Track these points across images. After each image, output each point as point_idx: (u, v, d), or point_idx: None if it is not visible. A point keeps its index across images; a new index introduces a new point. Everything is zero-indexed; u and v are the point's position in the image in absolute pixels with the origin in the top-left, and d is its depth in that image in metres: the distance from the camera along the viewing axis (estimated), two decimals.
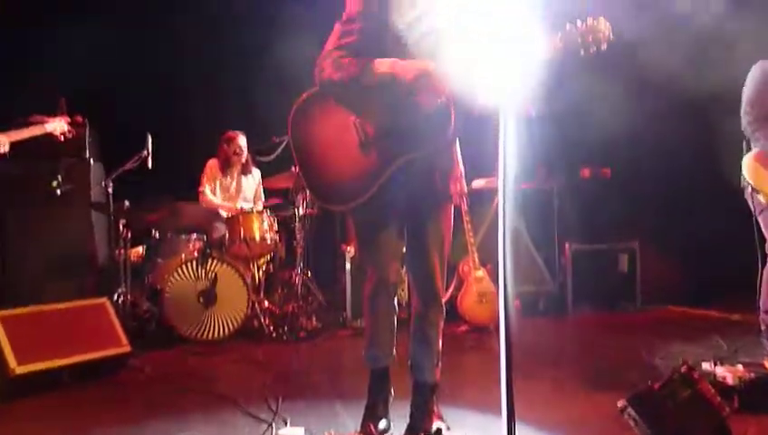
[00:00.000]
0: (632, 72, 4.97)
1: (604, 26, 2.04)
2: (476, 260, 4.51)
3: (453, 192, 2.37)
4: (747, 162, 3.24)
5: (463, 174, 2.48)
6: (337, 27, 2.28)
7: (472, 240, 4.52)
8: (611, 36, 2.05)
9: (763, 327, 3.36)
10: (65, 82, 4.27)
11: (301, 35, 4.30)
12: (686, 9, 4.75)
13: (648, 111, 5.20)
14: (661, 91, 5.08)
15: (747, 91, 3.31)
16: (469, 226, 4.52)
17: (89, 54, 4.88)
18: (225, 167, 4.86)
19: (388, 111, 2.20)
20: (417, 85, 2.13)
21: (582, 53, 2.07)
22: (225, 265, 4.20)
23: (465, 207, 4.59)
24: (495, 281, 4.27)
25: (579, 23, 2.07)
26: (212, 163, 4.87)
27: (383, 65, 2.15)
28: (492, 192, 4.96)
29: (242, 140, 4.83)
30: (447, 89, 2.14)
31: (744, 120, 3.28)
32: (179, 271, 4.14)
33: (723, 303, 4.92)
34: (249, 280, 4.33)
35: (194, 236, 4.54)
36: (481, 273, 4.50)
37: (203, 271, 4.17)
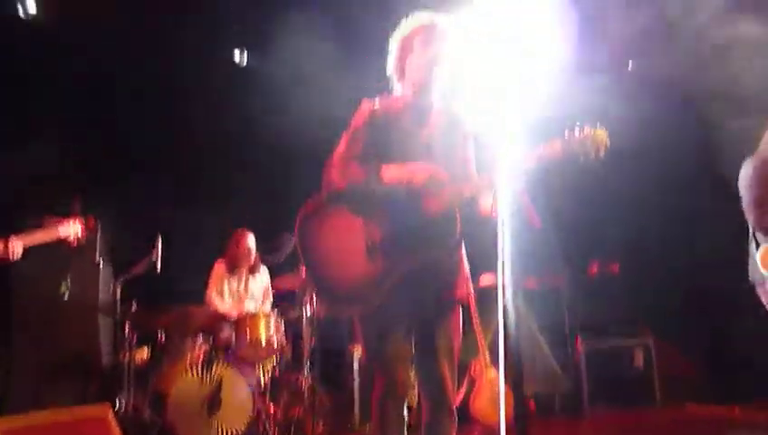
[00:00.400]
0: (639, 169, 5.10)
1: (602, 134, 2.13)
2: (488, 359, 4.41)
3: (460, 295, 2.37)
4: (762, 257, 3.22)
5: (469, 275, 2.47)
6: (344, 137, 2.39)
7: (482, 338, 4.45)
8: (608, 144, 2.13)
9: None
10: (78, 178, 4.38)
11: (309, 133, 4.48)
12: (686, 114, 4.97)
13: (658, 206, 5.28)
14: (671, 184, 5.18)
15: (743, 188, 3.36)
16: (479, 324, 4.46)
17: (101, 153, 5.06)
18: (233, 267, 4.86)
19: (395, 217, 2.25)
20: (425, 190, 2.20)
21: (582, 159, 2.14)
22: (230, 369, 4.11)
23: (474, 305, 4.56)
24: (508, 380, 4.15)
25: (577, 130, 2.15)
26: (218, 266, 4.89)
27: (391, 171, 2.23)
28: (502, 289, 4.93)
29: (250, 240, 4.86)
30: (455, 192, 2.20)
31: (751, 215, 3.30)
32: (184, 376, 4.05)
33: (745, 399, 4.73)
34: (254, 384, 4.23)
35: (200, 338, 4.48)
36: (493, 373, 4.39)
37: (208, 375, 4.07)
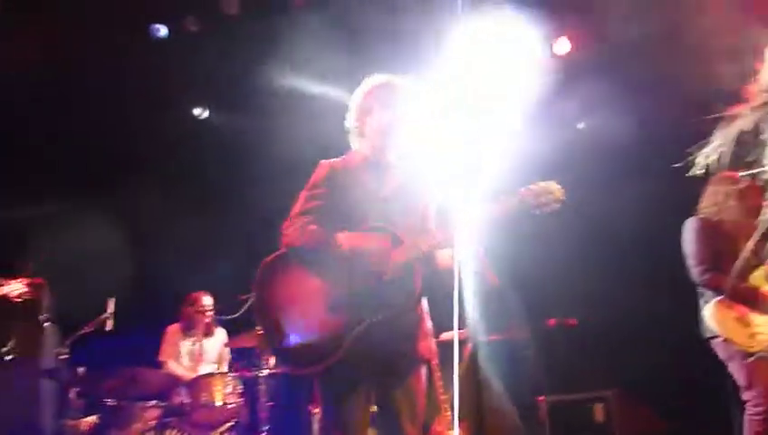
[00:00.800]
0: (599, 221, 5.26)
1: (555, 189, 2.21)
2: (449, 419, 4.33)
3: (422, 352, 2.36)
4: (711, 314, 3.32)
5: (431, 331, 2.46)
6: (303, 194, 2.41)
7: (444, 397, 4.38)
8: (563, 198, 2.20)
9: None
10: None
11: (264, 192, 4.47)
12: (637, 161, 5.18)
13: (612, 262, 5.42)
14: (629, 239, 5.34)
15: (687, 247, 3.50)
16: (440, 382, 4.40)
17: (52, 205, 4.93)
18: (188, 329, 4.75)
19: (351, 278, 2.25)
20: (376, 263, 2.23)
21: (538, 212, 2.20)
22: None
23: (435, 362, 4.51)
24: None
25: (532, 185, 2.21)
26: (172, 329, 4.76)
27: (343, 242, 2.25)
28: (462, 344, 4.90)
29: (207, 300, 4.77)
30: (409, 259, 2.23)
31: (694, 272, 3.42)
32: None
33: None
34: None
35: (151, 403, 4.28)
36: (456, 433, 4.30)
37: None
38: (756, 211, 3.33)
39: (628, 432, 5.23)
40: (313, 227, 2.31)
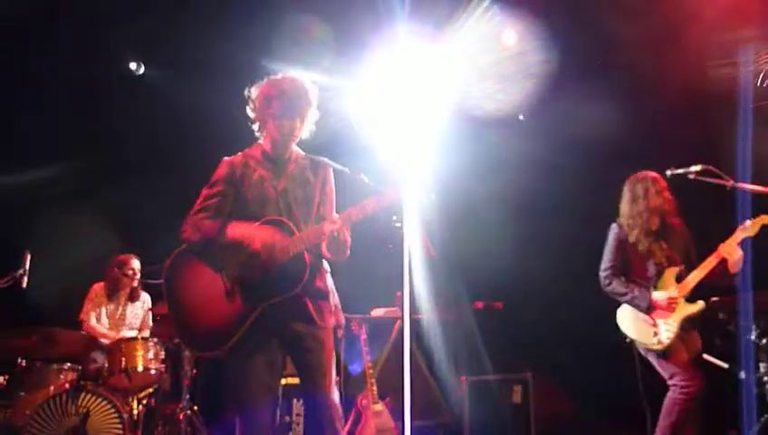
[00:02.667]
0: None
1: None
2: (375, 393, 4.39)
3: (328, 324, 2.53)
4: (621, 316, 3.55)
5: (337, 306, 2.62)
6: (203, 191, 2.57)
7: (371, 371, 4.43)
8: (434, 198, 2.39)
9: None
10: None
11: (192, 155, 4.34)
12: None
13: (537, 246, 5.60)
14: (550, 229, 5.54)
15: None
16: (368, 357, 4.45)
17: None
18: (113, 292, 4.57)
19: (244, 266, 2.45)
20: (263, 254, 2.41)
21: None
22: (99, 399, 3.79)
23: (363, 337, 4.55)
24: (395, 414, 4.15)
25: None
26: (97, 288, 4.56)
27: (235, 230, 2.45)
28: (391, 322, 4.96)
29: (135, 264, 4.61)
30: (295, 251, 2.40)
31: (600, 275, 3.63)
32: (45, 407, 3.68)
33: (615, 433, 5.04)
34: (126, 416, 3.92)
35: (66, 365, 4.10)
36: (380, 406, 4.37)
37: (73, 406, 3.73)
38: (660, 210, 3.56)
39: (544, 414, 5.49)
40: (208, 222, 2.49)
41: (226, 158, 2.62)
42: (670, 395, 3.44)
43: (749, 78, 4.42)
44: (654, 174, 3.66)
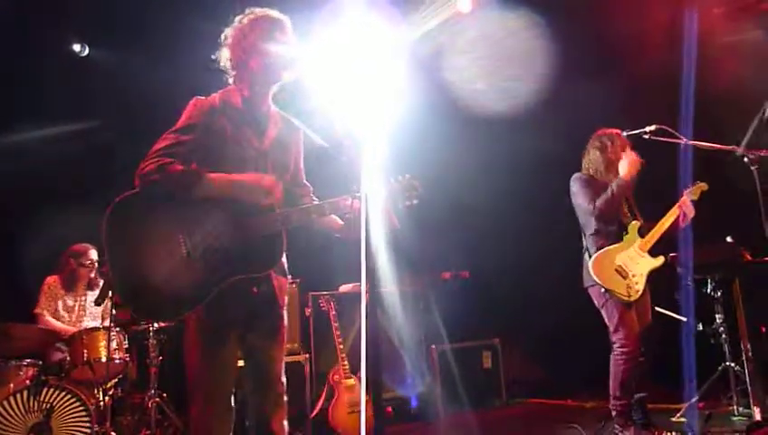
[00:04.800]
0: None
1: (417, 184, 2.26)
2: (347, 368, 4.39)
3: (284, 303, 2.30)
4: (593, 265, 3.58)
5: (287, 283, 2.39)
6: (166, 135, 2.18)
7: (341, 347, 4.42)
8: (421, 192, 2.26)
9: (613, 412, 3.58)
10: None
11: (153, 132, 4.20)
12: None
13: (506, 217, 5.66)
14: (517, 198, 5.60)
15: (576, 197, 3.75)
16: (338, 332, 4.44)
17: None
18: (70, 284, 4.42)
19: (219, 230, 2.11)
20: (255, 203, 2.12)
21: (400, 206, 2.26)
22: (63, 394, 3.67)
23: (333, 313, 4.53)
24: (368, 387, 4.16)
25: (399, 178, 2.26)
26: (52, 281, 4.39)
27: (215, 184, 2.10)
28: (359, 297, 4.95)
29: (93, 254, 4.45)
30: (277, 226, 2.15)
31: (587, 210, 3.66)
32: (5, 405, 3.55)
33: (579, 393, 5.20)
34: (93, 408, 3.82)
35: (26, 361, 3.96)
36: (352, 381, 4.38)
37: (36, 402, 3.61)
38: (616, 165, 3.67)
39: (514, 378, 5.62)
40: (178, 166, 2.09)
41: (201, 97, 2.25)
42: (613, 355, 3.56)
43: None
44: (616, 130, 3.78)
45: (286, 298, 2.32)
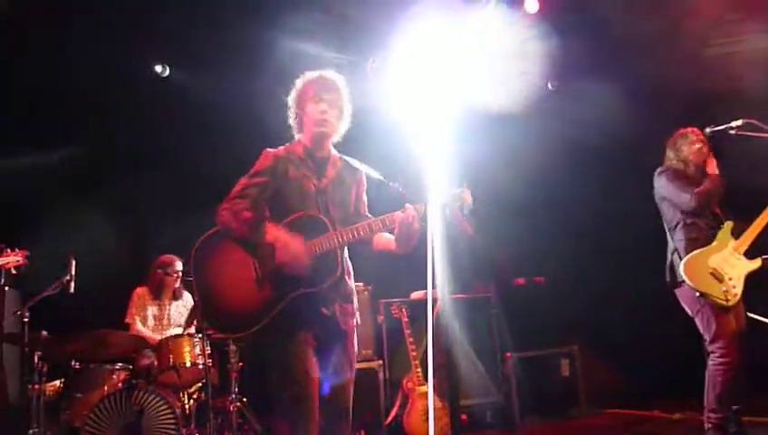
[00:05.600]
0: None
1: (468, 195, 2.47)
2: (420, 375, 4.39)
3: (350, 326, 2.58)
4: (686, 267, 3.39)
5: (357, 308, 2.66)
6: (243, 180, 2.61)
7: (414, 354, 4.43)
8: (471, 204, 2.46)
9: (708, 426, 3.37)
10: None
11: (232, 150, 4.37)
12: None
13: (581, 222, 5.51)
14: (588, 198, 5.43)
15: (665, 190, 3.59)
16: (410, 339, 4.45)
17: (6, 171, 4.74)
18: (157, 293, 4.67)
19: (275, 261, 2.47)
20: (290, 263, 2.45)
21: (463, 212, 2.46)
22: (152, 396, 3.88)
23: (405, 320, 4.55)
24: (441, 395, 4.14)
25: (455, 190, 2.48)
26: (140, 292, 4.66)
27: (269, 234, 2.49)
28: (432, 303, 4.94)
29: (178, 265, 4.69)
30: (330, 246, 2.46)
31: (683, 200, 3.49)
32: (100, 406, 3.79)
33: (664, 403, 4.95)
34: (179, 411, 4.01)
35: (118, 365, 4.21)
36: (425, 388, 4.37)
37: (128, 404, 3.83)
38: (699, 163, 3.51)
39: (593, 386, 5.42)
40: (248, 214, 2.53)
41: (270, 150, 2.67)
42: (710, 366, 3.35)
43: None
44: (692, 129, 3.62)
45: (353, 320, 2.61)
